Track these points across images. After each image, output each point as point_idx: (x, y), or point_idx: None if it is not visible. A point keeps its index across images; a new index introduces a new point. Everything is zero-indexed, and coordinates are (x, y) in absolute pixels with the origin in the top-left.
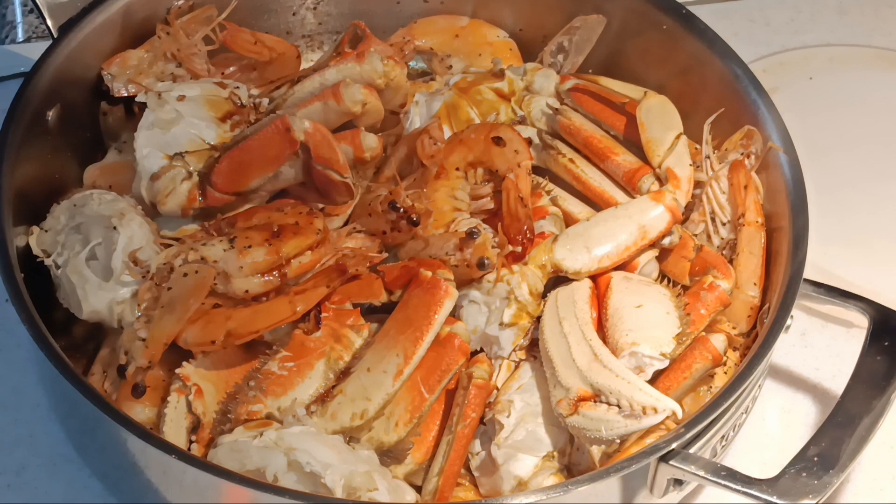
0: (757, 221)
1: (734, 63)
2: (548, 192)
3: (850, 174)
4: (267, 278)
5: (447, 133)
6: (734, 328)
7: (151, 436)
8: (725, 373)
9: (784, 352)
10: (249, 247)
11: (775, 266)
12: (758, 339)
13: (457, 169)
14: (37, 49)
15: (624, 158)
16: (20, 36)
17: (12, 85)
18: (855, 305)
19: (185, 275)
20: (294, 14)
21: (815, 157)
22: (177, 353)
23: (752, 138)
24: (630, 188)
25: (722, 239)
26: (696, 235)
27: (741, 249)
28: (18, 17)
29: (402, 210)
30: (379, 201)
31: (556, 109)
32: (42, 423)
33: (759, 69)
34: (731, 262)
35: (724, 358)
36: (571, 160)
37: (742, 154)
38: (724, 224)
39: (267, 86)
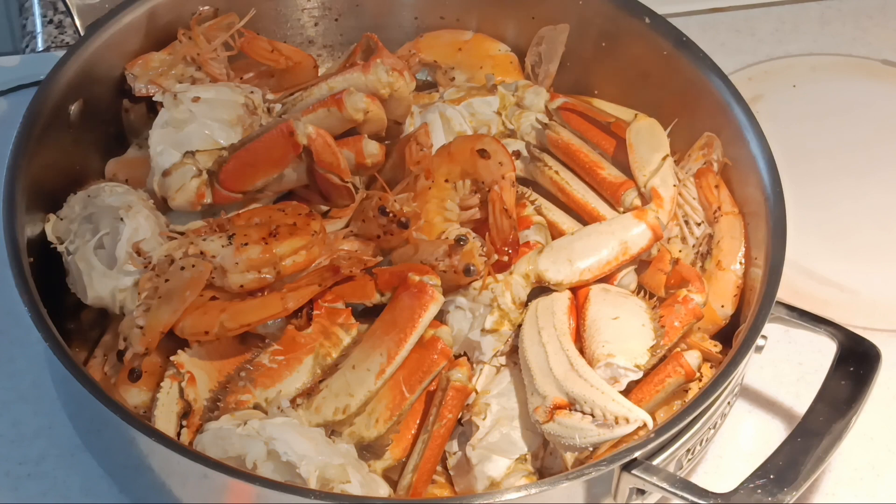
0: (734, 211)
1: (707, 68)
2: (532, 202)
3: (831, 178)
4: (261, 275)
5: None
6: (721, 316)
7: (135, 419)
8: (700, 388)
9: (758, 371)
10: (246, 244)
11: (750, 285)
12: (727, 357)
13: (446, 180)
14: (56, 59)
15: (609, 173)
16: (40, 45)
17: (31, 92)
18: (825, 330)
19: (183, 268)
20: (316, 24)
21: (798, 163)
22: (175, 342)
23: (713, 146)
24: (613, 201)
25: (696, 238)
26: (669, 239)
27: (723, 235)
28: (38, 28)
29: (391, 214)
30: (370, 206)
31: (545, 124)
32: (61, 415)
33: (744, 77)
34: (706, 256)
35: (698, 374)
36: (557, 172)
37: (704, 164)
38: (698, 224)
39: (283, 92)
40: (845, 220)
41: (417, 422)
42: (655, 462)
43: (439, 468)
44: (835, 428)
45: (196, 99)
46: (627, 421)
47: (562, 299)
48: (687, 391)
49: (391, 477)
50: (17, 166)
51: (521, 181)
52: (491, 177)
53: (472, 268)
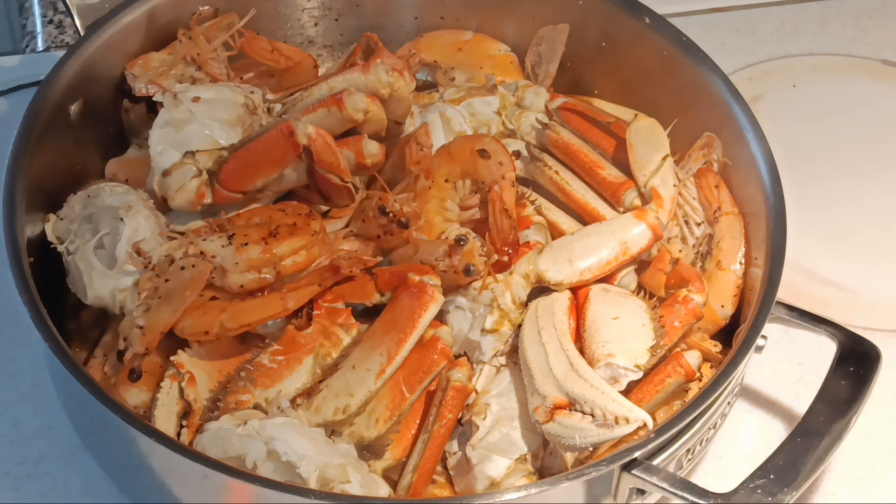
0: (734, 211)
1: (707, 68)
2: (532, 202)
3: (831, 178)
4: (261, 275)
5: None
6: (721, 316)
7: (135, 419)
8: (700, 388)
9: (758, 371)
10: (246, 244)
11: (750, 285)
12: (726, 357)
13: (446, 180)
14: (56, 59)
15: (609, 173)
16: (40, 45)
17: (31, 93)
18: (825, 330)
19: (183, 268)
20: (316, 24)
21: (798, 163)
22: (175, 342)
23: (713, 146)
24: (613, 201)
25: (696, 238)
26: (669, 239)
27: (723, 235)
28: (38, 28)
29: (391, 214)
30: (370, 206)
31: (545, 124)
32: (61, 415)
33: (744, 77)
34: (706, 256)
35: (698, 374)
36: (557, 172)
37: (704, 164)
38: (698, 224)
39: (283, 92)
40: (845, 220)
41: (417, 422)
42: (655, 462)
43: (439, 468)
44: (835, 428)
45: (196, 99)
46: (627, 421)
47: (562, 299)
48: (687, 391)
49: (391, 477)
50: (17, 166)
51: (521, 181)
52: (491, 177)
53: (472, 268)
